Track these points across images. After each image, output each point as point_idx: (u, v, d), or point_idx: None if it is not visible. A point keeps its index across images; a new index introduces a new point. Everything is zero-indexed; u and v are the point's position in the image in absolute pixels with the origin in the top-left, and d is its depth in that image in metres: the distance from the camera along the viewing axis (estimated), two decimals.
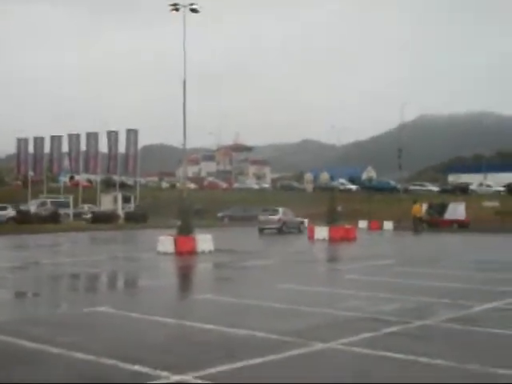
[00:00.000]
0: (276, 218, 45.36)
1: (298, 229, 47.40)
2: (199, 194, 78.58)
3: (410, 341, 9.72)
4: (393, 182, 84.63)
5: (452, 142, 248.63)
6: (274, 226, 44.85)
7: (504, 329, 10.45)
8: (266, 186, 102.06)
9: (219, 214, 66.34)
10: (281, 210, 46.78)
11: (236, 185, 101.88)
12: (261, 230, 45.43)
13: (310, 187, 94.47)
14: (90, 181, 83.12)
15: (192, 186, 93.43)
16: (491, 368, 7.90)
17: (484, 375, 7.66)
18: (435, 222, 54.54)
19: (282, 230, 44.90)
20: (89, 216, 57.24)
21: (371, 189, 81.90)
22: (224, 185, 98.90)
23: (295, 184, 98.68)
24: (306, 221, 50.02)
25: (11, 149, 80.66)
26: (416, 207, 48.17)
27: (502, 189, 76.21)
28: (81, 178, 74.66)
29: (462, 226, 53.98)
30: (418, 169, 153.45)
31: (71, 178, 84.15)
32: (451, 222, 54.47)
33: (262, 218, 46.10)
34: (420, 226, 47.17)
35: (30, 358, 8.50)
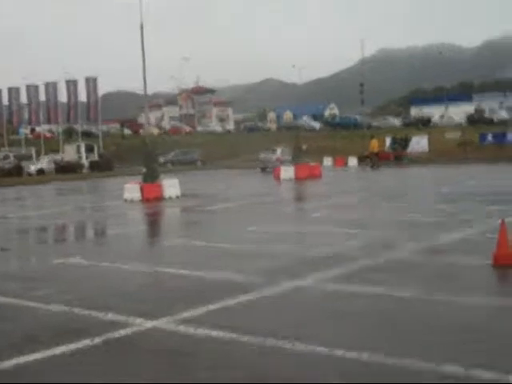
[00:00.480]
0: (274, 157, 45.97)
1: None
2: (163, 139, 78.06)
3: (380, 274, 9.90)
4: (358, 118, 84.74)
5: (413, 75, 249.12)
6: (273, 165, 45.07)
7: (468, 258, 10.70)
8: (230, 128, 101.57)
9: (161, 160, 65.03)
10: (279, 149, 47.64)
11: (199, 128, 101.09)
12: (262, 170, 46.89)
13: (273, 127, 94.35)
14: (51, 131, 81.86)
15: (155, 131, 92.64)
16: (457, 297, 8.11)
17: (450, 303, 7.87)
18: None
19: None
20: (33, 170, 55.71)
21: (338, 125, 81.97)
22: (187, 129, 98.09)
23: (260, 124, 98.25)
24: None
25: None
26: (373, 142, 48.35)
27: (463, 120, 76.88)
28: (42, 129, 73.52)
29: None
30: (379, 103, 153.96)
31: (32, 130, 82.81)
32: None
33: (261, 157, 46.64)
34: (377, 161, 47.46)
35: (2, 313, 8.51)
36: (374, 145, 48.19)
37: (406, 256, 11.17)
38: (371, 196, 24.20)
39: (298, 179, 36.52)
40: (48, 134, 77.30)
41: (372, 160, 47.51)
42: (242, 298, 8.50)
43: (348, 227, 15.16)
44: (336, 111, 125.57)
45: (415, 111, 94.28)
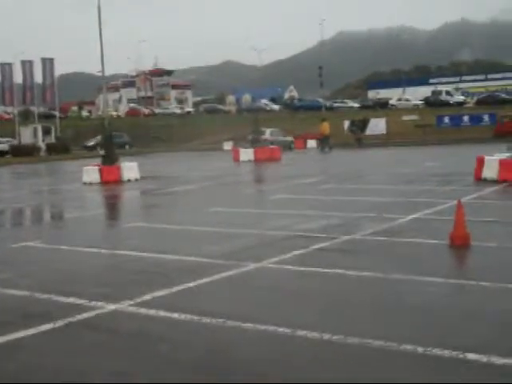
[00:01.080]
0: (263, 138, 45.93)
1: (289, 147, 49.77)
2: (121, 121, 77.41)
3: (339, 255, 10.04)
4: (322, 100, 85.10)
5: (372, 58, 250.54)
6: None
7: (426, 238, 10.90)
8: (190, 110, 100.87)
9: (89, 143, 62.08)
10: (268, 130, 48.00)
11: (158, 110, 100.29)
12: None
13: (233, 109, 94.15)
14: (7, 113, 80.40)
15: (114, 113, 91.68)
16: (414, 276, 8.27)
17: (407, 282, 8.02)
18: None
19: None
20: None
21: (301, 108, 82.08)
22: (146, 111, 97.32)
23: (220, 106, 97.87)
24: (291, 139, 52.78)
25: None
26: (324, 125, 48.58)
27: (420, 102, 77.74)
28: None
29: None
30: (338, 86, 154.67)
31: None
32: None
33: (249, 138, 46.48)
34: (327, 144, 47.81)
35: None
36: (325, 128, 48.44)
37: (364, 237, 11.32)
38: (330, 178, 24.38)
39: (257, 161, 36.61)
40: (6, 116, 75.94)
41: (323, 142, 47.92)
42: (203, 280, 8.54)
43: (307, 209, 15.29)
44: (295, 94, 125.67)
45: (372, 94, 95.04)
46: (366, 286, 8.09)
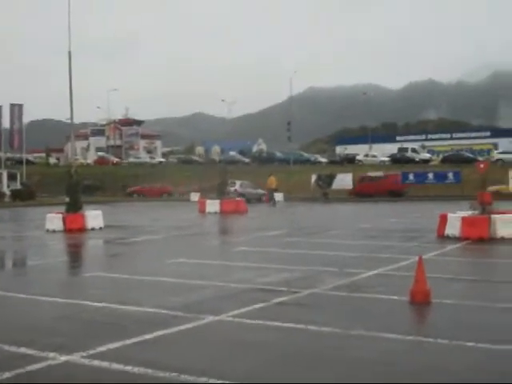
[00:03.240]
0: (232, 189, 46.22)
1: (260, 200, 50.40)
2: (90, 169, 77.10)
3: (299, 309, 9.97)
4: (306, 154, 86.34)
5: (339, 114, 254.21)
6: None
7: (386, 294, 10.89)
8: (162, 160, 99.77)
9: None
10: (238, 182, 48.35)
11: (131, 159, 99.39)
12: None
13: (202, 160, 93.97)
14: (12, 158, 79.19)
15: (83, 161, 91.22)
16: (375, 332, 8.22)
17: (368, 338, 7.97)
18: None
19: None
20: None
21: (283, 161, 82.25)
22: (114, 160, 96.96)
23: (194, 157, 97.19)
24: (262, 192, 53.13)
25: None
26: (271, 179, 50.03)
27: (386, 159, 78.74)
28: None
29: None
30: (307, 140, 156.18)
31: None
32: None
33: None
34: (273, 197, 48.84)
35: None
36: (271, 181, 49.91)
37: (325, 291, 11.27)
38: (294, 231, 24.40)
39: (223, 213, 36.57)
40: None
41: (270, 195, 49.10)
42: (159, 332, 8.39)
43: (270, 262, 15.23)
44: (264, 147, 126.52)
45: (340, 149, 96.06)
46: (325, 340, 8.01)
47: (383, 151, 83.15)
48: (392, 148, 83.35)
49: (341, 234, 22.82)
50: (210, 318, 9.18)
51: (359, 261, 15.36)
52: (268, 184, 49.68)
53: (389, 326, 8.56)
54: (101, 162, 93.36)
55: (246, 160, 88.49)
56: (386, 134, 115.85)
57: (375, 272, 13.42)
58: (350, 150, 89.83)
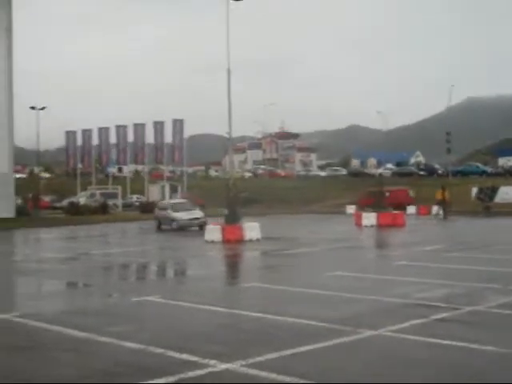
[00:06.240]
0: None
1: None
2: (247, 182, 78.70)
3: (461, 327, 9.59)
4: (481, 166, 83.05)
5: (501, 124, 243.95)
6: None
7: None
8: (324, 173, 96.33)
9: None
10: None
11: (301, 172, 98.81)
12: None
13: (377, 172, 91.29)
14: (173, 171, 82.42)
15: (247, 174, 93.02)
16: None
17: None
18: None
19: None
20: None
21: (458, 173, 79.77)
22: (282, 173, 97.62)
23: (365, 170, 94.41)
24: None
25: (61, 142, 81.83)
26: (439, 192, 48.00)
27: None
28: (128, 168, 75.31)
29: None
30: (466, 152, 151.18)
31: (119, 169, 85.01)
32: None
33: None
34: (440, 210, 46.88)
35: (78, 347, 8.64)
36: (438, 194, 47.91)
37: (488, 309, 10.76)
38: (454, 246, 23.57)
39: (380, 226, 36.04)
40: (168, 174, 76.92)
41: (443, 209, 47.10)
42: (316, 344, 8.36)
43: (429, 277, 14.78)
44: (421, 159, 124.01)
45: (503, 161, 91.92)
46: (488, 360, 7.64)
47: None
48: None
49: (504, 250, 21.77)
50: (368, 333, 9.04)
51: None
52: (437, 196, 48.10)
53: None
54: (271, 174, 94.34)
55: (421, 172, 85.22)
56: None
57: None
58: None
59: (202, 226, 32.70)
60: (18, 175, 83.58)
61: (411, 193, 43.71)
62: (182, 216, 35.74)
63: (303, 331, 9.25)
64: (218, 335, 9.27)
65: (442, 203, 47.34)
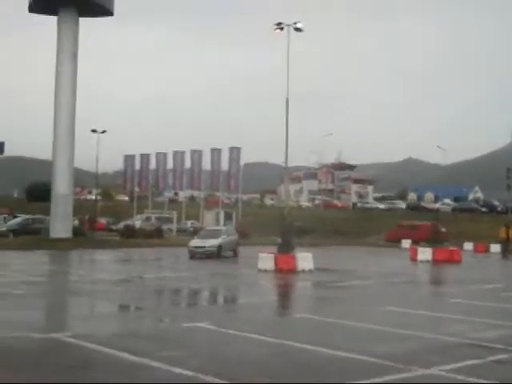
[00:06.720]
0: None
1: None
2: (308, 212, 78.45)
3: None
4: None
5: None
6: None
7: None
8: (382, 206, 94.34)
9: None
10: None
11: (359, 204, 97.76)
12: None
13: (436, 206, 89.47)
14: (228, 198, 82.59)
15: (305, 204, 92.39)
16: None
17: None
18: None
19: None
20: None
21: None
22: (339, 204, 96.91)
23: (425, 205, 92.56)
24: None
25: (118, 165, 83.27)
26: (501, 230, 46.91)
27: None
28: (184, 193, 75.96)
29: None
30: None
31: (175, 194, 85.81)
32: None
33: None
34: (506, 249, 45.68)
35: (129, 371, 8.66)
36: (502, 232, 46.77)
37: None
38: None
39: (435, 262, 35.42)
40: (225, 200, 77.15)
41: (503, 248, 45.97)
42: (366, 381, 8.21)
43: (485, 317, 14.40)
44: (480, 195, 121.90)
45: None
46: None
47: None
48: None
49: None
50: (420, 371, 8.82)
51: None
52: (501, 234, 47.20)
53: None
54: (326, 205, 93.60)
55: (483, 209, 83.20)
56: None
57: None
58: None
59: (210, 256, 32.23)
60: (86, 196, 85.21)
61: (442, 228, 42.53)
62: (193, 243, 35.51)
63: (353, 366, 9.10)
64: (266, 365, 9.18)
65: (505, 242, 46.39)
